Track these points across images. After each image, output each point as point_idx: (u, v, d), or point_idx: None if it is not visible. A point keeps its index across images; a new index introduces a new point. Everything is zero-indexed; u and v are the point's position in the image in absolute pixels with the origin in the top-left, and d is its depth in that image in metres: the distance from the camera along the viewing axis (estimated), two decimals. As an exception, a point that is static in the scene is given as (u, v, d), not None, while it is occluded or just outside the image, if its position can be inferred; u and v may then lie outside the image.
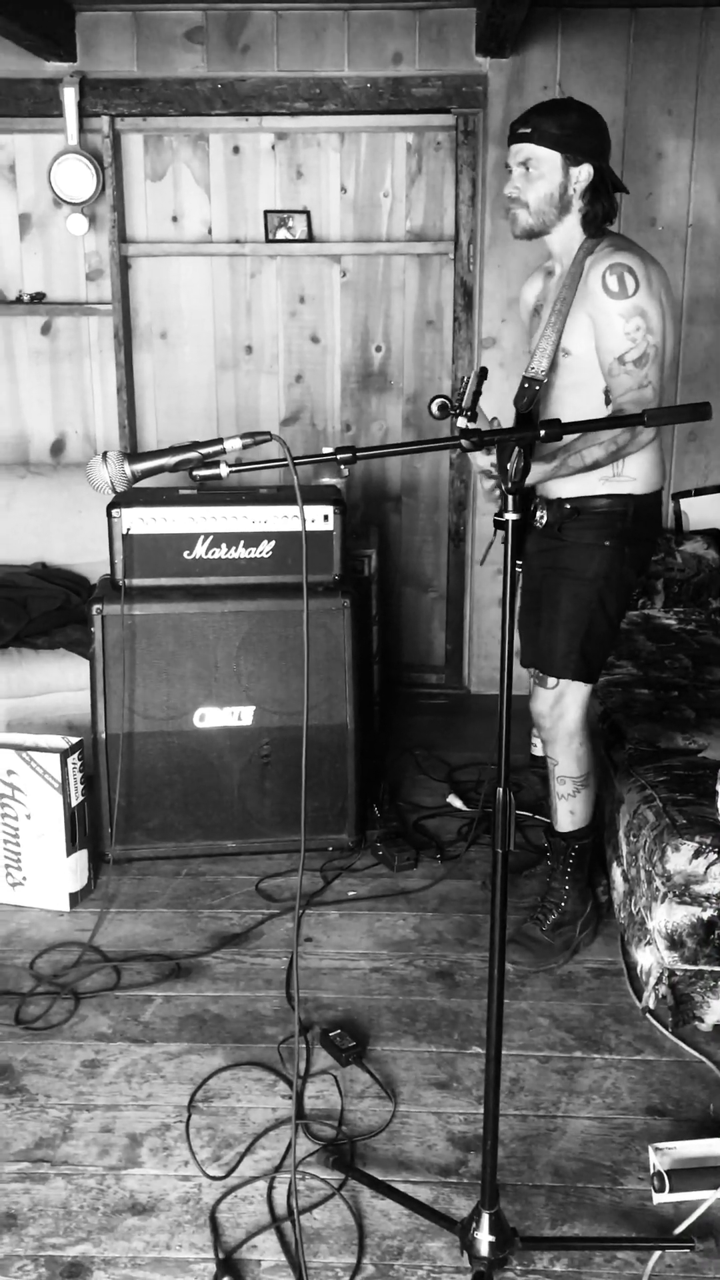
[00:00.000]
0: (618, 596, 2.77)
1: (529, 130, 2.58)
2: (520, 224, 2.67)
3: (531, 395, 2.67)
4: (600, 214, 2.65)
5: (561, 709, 2.77)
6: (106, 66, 4.26)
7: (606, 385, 2.58)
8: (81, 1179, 2.19)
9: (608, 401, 2.60)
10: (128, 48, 4.25)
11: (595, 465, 2.54)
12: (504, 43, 3.99)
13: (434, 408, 2.25)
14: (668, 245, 4.31)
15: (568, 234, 2.67)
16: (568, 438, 2.53)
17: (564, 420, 2.42)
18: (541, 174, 2.60)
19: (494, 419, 2.32)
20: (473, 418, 2.34)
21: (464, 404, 2.40)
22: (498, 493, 2.56)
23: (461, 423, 2.39)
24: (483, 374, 2.48)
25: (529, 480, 2.48)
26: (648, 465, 2.68)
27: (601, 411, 2.60)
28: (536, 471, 2.52)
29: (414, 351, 4.58)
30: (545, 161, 2.59)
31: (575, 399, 2.64)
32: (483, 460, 2.53)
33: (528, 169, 2.61)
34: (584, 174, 2.60)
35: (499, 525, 2.73)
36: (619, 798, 2.93)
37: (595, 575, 2.71)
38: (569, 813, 2.87)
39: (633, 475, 2.65)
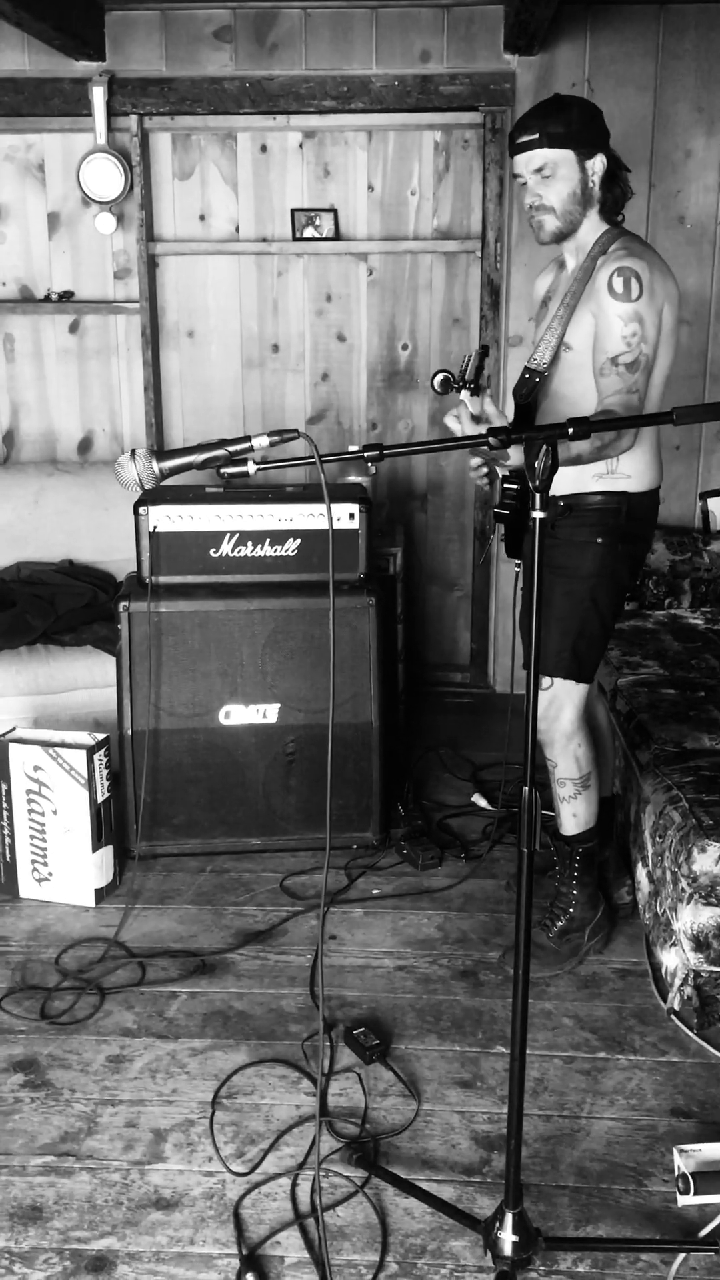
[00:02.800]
0: (610, 595, 2.75)
1: (535, 136, 2.55)
2: (548, 229, 2.65)
3: (531, 386, 2.67)
4: (618, 198, 2.65)
5: (556, 709, 2.74)
6: (135, 66, 4.27)
7: (596, 381, 2.57)
8: (106, 1173, 2.20)
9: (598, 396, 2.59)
10: (156, 47, 4.26)
11: (579, 460, 2.49)
12: (532, 40, 3.97)
13: (435, 382, 2.25)
14: (696, 243, 4.29)
15: (588, 227, 2.66)
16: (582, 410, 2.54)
17: (568, 414, 2.40)
18: (560, 175, 2.58)
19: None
20: (476, 390, 2.32)
21: (466, 376, 2.40)
22: (484, 475, 2.57)
23: (464, 395, 2.38)
24: (484, 351, 2.47)
25: (515, 462, 2.45)
26: (643, 463, 2.66)
27: (596, 409, 2.57)
28: (517, 457, 2.43)
29: (441, 350, 4.58)
30: (561, 162, 2.57)
31: (572, 392, 2.63)
32: (457, 425, 2.50)
33: (544, 174, 2.58)
34: (599, 164, 2.59)
35: (500, 518, 2.73)
36: (644, 798, 2.92)
37: (589, 573, 2.69)
38: (571, 815, 2.85)
39: (627, 473, 2.64)
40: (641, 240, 2.69)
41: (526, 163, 2.59)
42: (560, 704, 2.74)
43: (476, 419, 2.25)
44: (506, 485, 2.66)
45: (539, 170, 2.58)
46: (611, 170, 2.61)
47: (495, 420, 2.31)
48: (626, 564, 2.76)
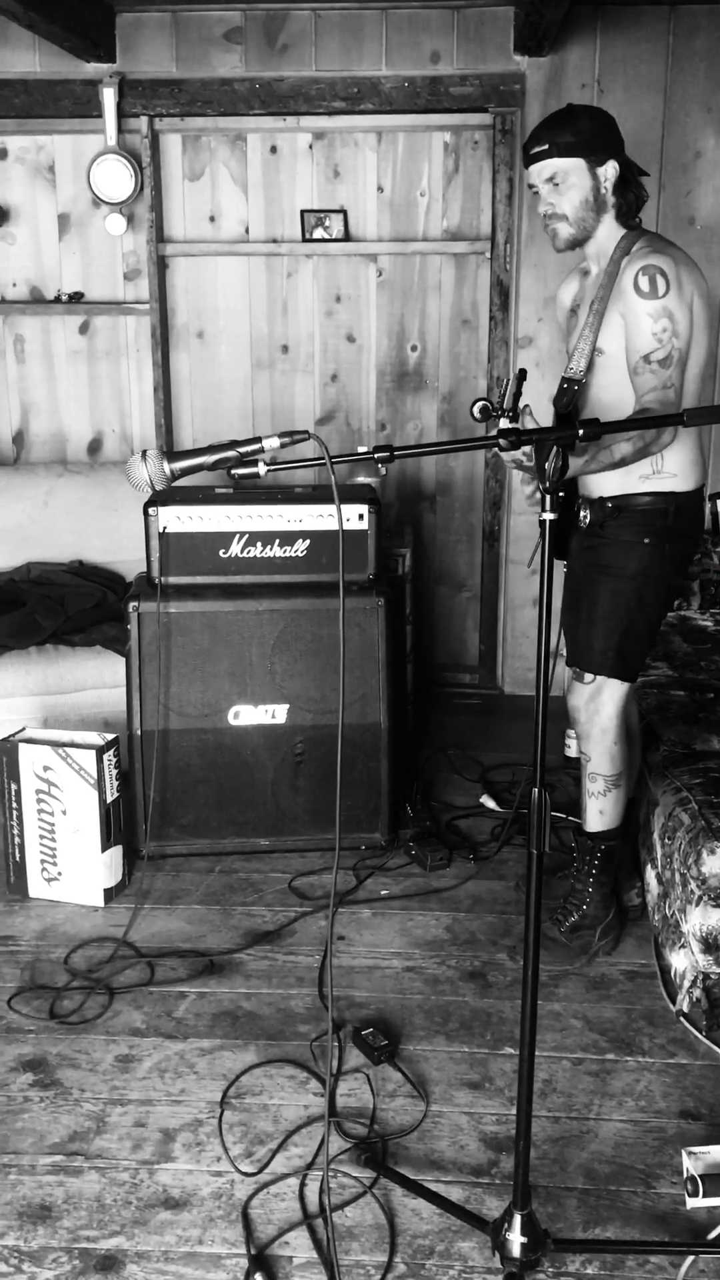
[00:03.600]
0: (657, 595, 2.76)
1: (546, 147, 2.58)
2: (562, 237, 2.67)
3: (571, 395, 2.68)
4: (632, 203, 2.66)
5: (597, 705, 2.76)
6: (146, 67, 4.28)
7: (631, 380, 2.58)
8: (115, 1173, 2.20)
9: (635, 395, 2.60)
10: (167, 48, 4.27)
11: (623, 461, 2.51)
12: (542, 41, 3.97)
13: (475, 410, 2.23)
14: (706, 244, 4.28)
15: (605, 233, 2.68)
16: (619, 408, 2.57)
17: (601, 419, 2.42)
18: (571, 183, 2.61)
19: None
20: (514, 418, 2.31)
21: (504, 405, 2.38)
22: (534, 489, 2.56)
23: (504, 423, 2.37)
24: (522, 375, 2.45)
25: (574, 472, 2.48)
26: (688, 461, 2.68)
27: (635, 408, 2.58)
28: (574, 465, 2.47)
29: (450, 351, 4.58)
30: (572, 171, 2.60)
31: (610, 397, 2.65)
32: (513, 453, 2.50)
33: (555, 183, 2.61)
34: (611, 171, 2.62)
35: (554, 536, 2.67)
36: (654, 800, 2.92)
37: (635, 573, 2.70)
38: (598, 812, 2.86)
39: (673, 471, 2.65)
40: (663, 238, 2.70)
41: (539, 173, 2.62)
42: (602, 700, 2.76)
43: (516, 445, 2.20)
44: (502, 423, 2.62)
45: (550, 179, 2.62)
46: (624, 175, 2.63)
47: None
48: (674, 563, 2.77)
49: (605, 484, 2.67)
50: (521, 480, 2.58)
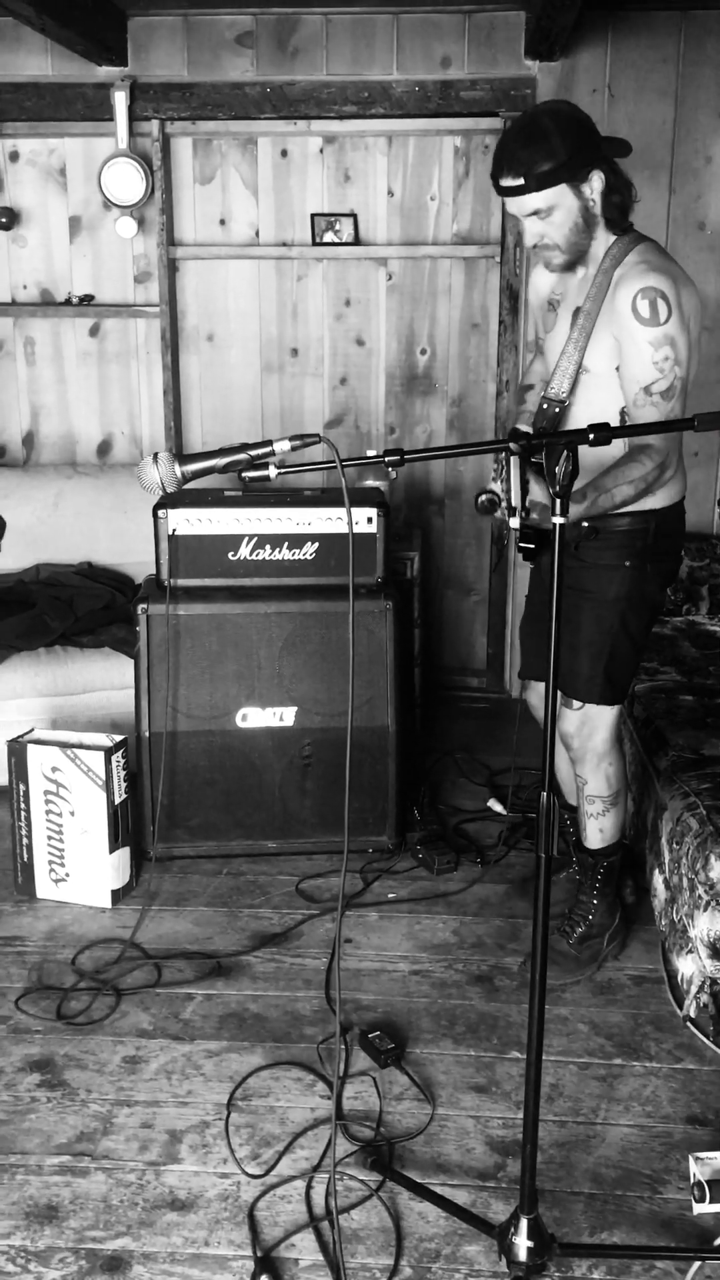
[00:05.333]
0: (640, 616, 2.69)
1: (521, 182, 2.35)
2: (557, 263, 2.52)
3: (553, 417, 2.59)
4: (620, 205, 2.46)
5: (590, 730, 2.73)
6: (157, 71, 4.29)
7: (630, 415, 2.47)
8: (122, 1174, 2.20)
9: (624, 421, 2.50)
10: (178, 52, 4.28)
11: (625, 504, 2.45)
12: (553, 46, 3.98)
13: (480, 501, 2.13)
14: (716, 249, 4.29)
15: (598, 242, 2.52)
16: (609, 451, 2.47)
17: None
18: (558, 212, 2.41)
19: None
20: (526, 514, 2.20)
21: (512, 503, 2.21)
22: (487, 506, 2.50)
23: (514, 523, 2.22)
24: (523, 453, 2.20)
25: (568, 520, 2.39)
26: (668, 479, 2.60)
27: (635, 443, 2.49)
28: (573, 511, 2.38)
29: (459, 355, 4.58)
30: (556, 199, 2.39)
31: (593, 414, 2.50)
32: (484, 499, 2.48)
33: (540, 215, 2.42)
34: (596, 182, 2.41)
35: (524, 551, 2.57)
36: (662, 804, 2.92)
37: (616, 597, 2.63)
38: (598, 830, 2.83)
39: (653, 490, 2.56)
40: (656, 247, 2.54)
41: (519, 207, 2.42)
42: (593, 725, 2.72)
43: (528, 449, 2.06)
44: (525, 528, 2.49)
45: (535, 213, 2.42)
46: (610, 181, 2.43)
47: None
48: (657, 582, 2.69)
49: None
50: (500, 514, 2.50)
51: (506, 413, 4.51)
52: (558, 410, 2.58)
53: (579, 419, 2.57)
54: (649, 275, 2.40)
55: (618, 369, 2.49)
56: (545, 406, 2.60)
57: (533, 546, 2.55)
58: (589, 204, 2.43)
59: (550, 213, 2.42)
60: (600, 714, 2.72)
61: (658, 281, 2.39)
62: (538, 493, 2.36)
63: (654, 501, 2.57)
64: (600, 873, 2.87)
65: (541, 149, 2.33)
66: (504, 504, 2.25)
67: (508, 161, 2.37)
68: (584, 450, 2.51)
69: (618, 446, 2.49)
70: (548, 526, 2.47)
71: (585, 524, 2.53)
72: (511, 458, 2.25)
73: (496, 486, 2.42)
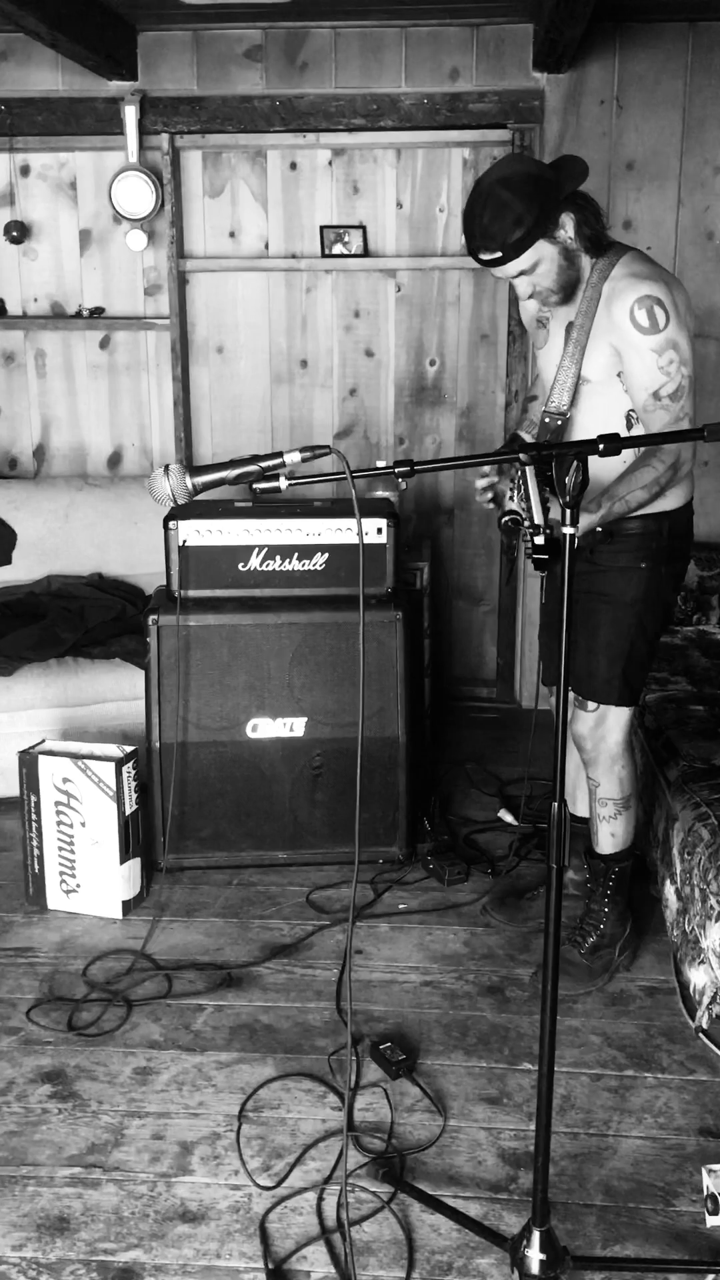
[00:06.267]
0: (656, 617, 2.73)
1: (500, 254, 2.42)
2: (555, 301, 2.57)
3: (556, 431, 2.61)
4: (596, 229, 2.51)
5: (603, 732, 2.74)
6: (167, 85, 4.32)
7: (641, 420, 2.52)
8: (133, 1185, 2.20)
9: (629, 425, 2.55)
10: (188, 66, 4.31)
11: (640, 507, 2.51)
12: (562, 58, 3.99)
13: (504, 523, 2.15)
14: (725, 259, 4.30)
15: (584, 268, 2.56)
16: (616, 462, 2.50)
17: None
18: (541, 265, 2.48)
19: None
20: (551, 531, 2.22)
21: (535, 520, 2.24)
22: (489, 499, 2.55)
23: (540, 540, 2.23)
24: (537, 471, 2.28)
25: (579, 532, 2.39)
26: (682, 477, 2.65)
27: (622, 433, 2.52)
28: (585, 521, 2.44)
29: (468, 366, 4.59)
30: (536, 256, 2.46)
31: (595, 421, 2.56)
32: (481, 482, 2.53)
33: (525, 273, 2.49)
34: (569, 225, 2.47)
35: (539, 564, 2.61)
36: (673, 815, 2.91)
37: (634, 599, 2.67)
38: (610, 835, 2.84)
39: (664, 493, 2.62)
40: (640, 255, 2.57)
41: (503, 273, 2.50)
42: (608, 727, 2.74)
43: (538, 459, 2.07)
44: (537, 541, 2.57)
45: (520, 273, 2.49)
46: (579, 217, 2.48)
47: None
48: (670, 583, 2.73)
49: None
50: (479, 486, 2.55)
51: (515, 424, 4.51)
52: (560, 423, 2.61)
53: (583, 427, 2.60)
54: (641, 284, 2.46)
55: (619, 375, 2.53)
56: (547, 421, 2.63)
57: (547, 556, 2.57)
58: (567, 245, 2.50)
59: (535, 268, 2.49)
60: (615, 715, 2.74)
61: (651, 289, 2.45)
62: (553, 509, 2.37)
63: (665, 504, 2.61)
64: (612, 879, 2.86)
65: (508, 219, 2.39)
66: (526, 522, 2.26)
67: (480, 238, 2.44)
68: (583, 435, 2.55)
69: (618, 429, 2.53)
70: (560, 535, 2.50)
71: (599, 529, 2.57)
72: (528, 473, 2.28)
73: (516, 505, 2.43)
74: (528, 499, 2.26)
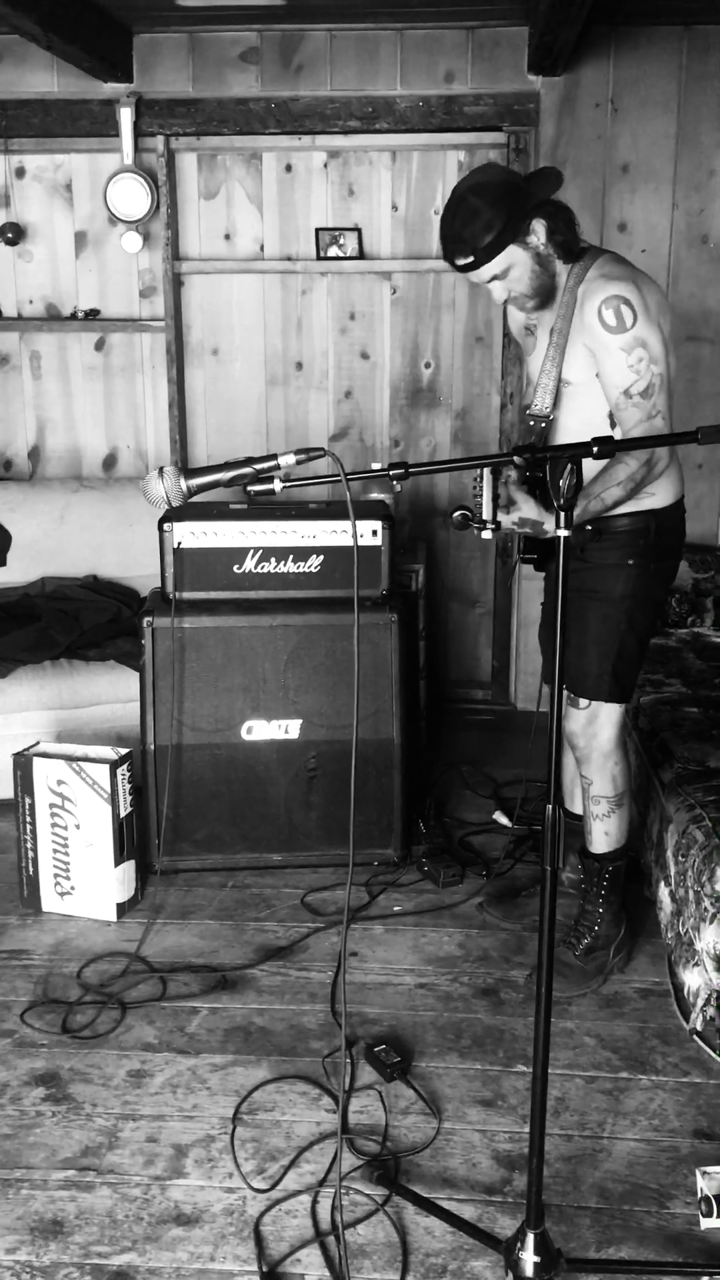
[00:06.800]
0: (646, 614, 2.75)
1: (472, 259, 2.49)
2: (531, 307, 2.62)
3: (540, 433, 2.66)
4: (568, 236, 2.56)
5: (595, 729, 2.76)
6: (162, 87, 4.32)
7: (615, 418, 2.56)
8: (127, 1188, 2.20)
9: (612, 424, 2.59)
10: (183, 68, 4.31)
11: (617, 504, 2.55)
12: (556, 61, 4.00)
13: (455, 518, 2.27)
14: (719, 262, 4.31)
15: (560, 274, 2.61)
16: (592, 461, 2.52)
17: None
18: (513, 269, 2.53)
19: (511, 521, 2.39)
20: (498, 528, 2.34)
21: (483, 515, 2.43)
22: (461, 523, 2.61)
23: (487, 534, 2.42)
24: (496, 475, 2.47)
25: (555, 532, 2.47)
26: (667, 478, 2.66)
27: (604, 434, 2.56)
28: (529, 509, 2.53)
29: (463, 368, 4.60)
30: (508, 261, 2.51)
31: (578, 423, 2.62)
32: (504, 518, 2.56)
33: (499, 278, 2.55)
34: (540, 230, 2.52)
35: (527, 562, 2.76)
36: (667, 817, 2.91)
37: (622, 595, 2.69)
38: (604, 833, 2.84)
39: (651, 490, 2.64)
40: (613, 257, 2.62)
41: (478, 278, 2.56)
42: (600, 724, 2.75)
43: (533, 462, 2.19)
44: (527, 540, 2.68)
45: (494, 278, 2.55)
46: (550, 223, 2.53)
47: (548, 522, 2.45)
48: (660, 580, 2.76)
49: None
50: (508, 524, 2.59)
51: (511, 426, 4.52)
52: (544, 426, 2.65)
53: (566, 428, 2.65)
54: (610, 285, 2.50)
55: (598, 376, 2.57)
56: (531, 424, 2.67)
57: (535, 557, 2.66)
58: (539, 250, 2.55)
59: (507, 273, 2.55)
60: (607, 712, 2.75)
61: (619, 289, 2.49)
62: (528, 509, 2.44)
63: (653, 501, 2.65)
64: (606, 878, 2.86)
65: (478, 224, 2.46)
66: (476, 519, 2.39)
67: (453, 245, 2.51)
68: (567, 436, 2.61)
69: (601, 430, 2.56)
70: (544, 536, 2.56)
71: (588, 526, 2.62)
72: (485, 472, 2.42)
73: (475, 503, 2.55)
74: (481, 495, 2.40)
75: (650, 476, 2.54)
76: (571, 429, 2.63)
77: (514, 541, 2.51)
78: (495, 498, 2.44)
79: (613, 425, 2.59)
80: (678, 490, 2.72)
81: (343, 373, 4.64)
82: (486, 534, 2.36)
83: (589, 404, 2.60)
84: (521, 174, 2.63)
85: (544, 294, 2.59)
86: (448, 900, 3.26)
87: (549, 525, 2.52)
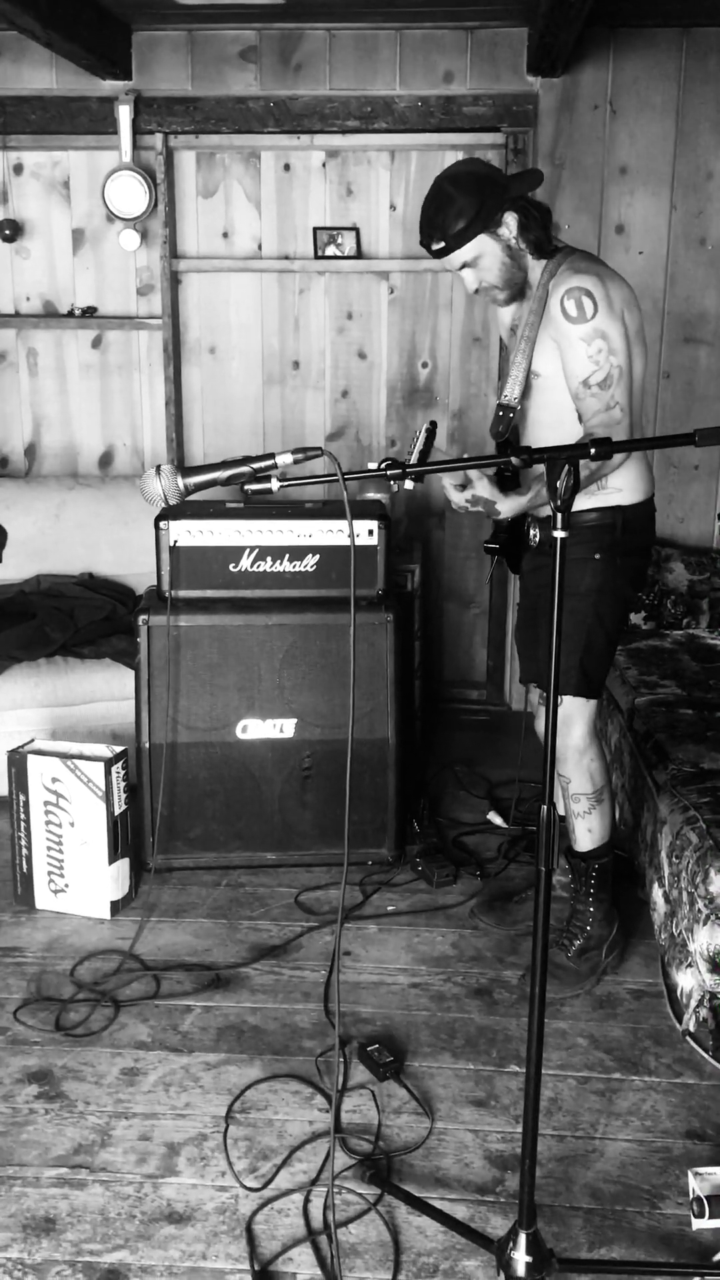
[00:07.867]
0: (613, 609, 2.77)
1: (444, 244, 2.56)
2: (501, 299, 2.70)
3: (507, 422, 2.70)
4: (540, 233, 2.61)
5: (566, 726, 2.76)
6: (161, 85, 4.32)
7: (576, 407, 2.61)
8: (119, 1186, 2.20)
9: (580, 420, 2.62)
10: (182, 67, 4.30)
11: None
12: (555, 62, 4.00)
13: (381, 466, 2.29)
14: (717, 265, 4.30)
15: (532, 270, 2.66)
16: (564, 434, 2.60)
17: (545, 442, 2.48)
18: (483, 259, 2.60)
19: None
20: (419, 479, 2.39)
21: (412, 461, 2.50)
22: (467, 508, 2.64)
23: (409, 485, 2.43)
24: (432, 430, 2.57)
25: (506, 513, 2.59)
26: (634, 476, 2.69)
27: (575, 429, 2.61)
28: (512, 504, 2.57)
29: (460, 368, 4.60)
30: (479, 249, 2.58)
31: (550, 418, 2.67)
32: (456, 496, 2.61)
33: (469, 265, 2.61)
34: (511, 223, 2.58)
35: (491, 551, 2.83)
36: (661, 818, 2.91)
37: (588, 589, 2.70)
38: (587, 830, 2.85)
39: (618, 486, 2.67)
40: (584, 254, 2.67)
41: (448, 264, 2.63)
42: (571, 720, 2.75)
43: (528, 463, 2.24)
44: (495, 532, 2.77)
45: (464, 265, 2.62)
46: (522, 218, 2.58)
47: (500, 503, 2.53)
48: (627, 576, 2.78)
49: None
50: (455, 502, 2.64)
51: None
52: (511, 415, 2.70)
53: (536, 420, 2.72)
54: (573, 278, 2.56)
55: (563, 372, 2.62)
56: (501, 414, 2.71)
57: (497, 546, 2.80)
58: (510, 243, 2.61)
59: (477, 261, 2.61)
60: (578, 708, 2.75)
61: (581, 281, 2.54)
62: (480, 487, 2.54)
63: (620, 497, 2.68)
64: (593, 877, 2.87)
65: (451, 211, 2.54)
66: (399, 464, 2.47)
67: (427, 230, 2.59)
68: (536, 427, 2.70)
69: (569, 423, 2.63)
70: (495, 517, 2.60)
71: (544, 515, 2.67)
72: (423, 429, 2.59)
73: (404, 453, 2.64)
74: (414, 445, 2.54)
75: (605, 469, 2.56)
76: (542, 421, 2.69)
77: (491, 562, 2.62)
78: (425, 452, 2.57)
79: (580, 419, 2.63)
80: (646, 489, 2.74)
81: (340, 372, 4.64)
82: (409, 484, 2.38)
83: (559, 397, 2.64)
84: (504, 171, 2.66)
85: (514, 287, 2.66)
86: (441, 900, 3.26)
87: (501, 505, 2.56)
